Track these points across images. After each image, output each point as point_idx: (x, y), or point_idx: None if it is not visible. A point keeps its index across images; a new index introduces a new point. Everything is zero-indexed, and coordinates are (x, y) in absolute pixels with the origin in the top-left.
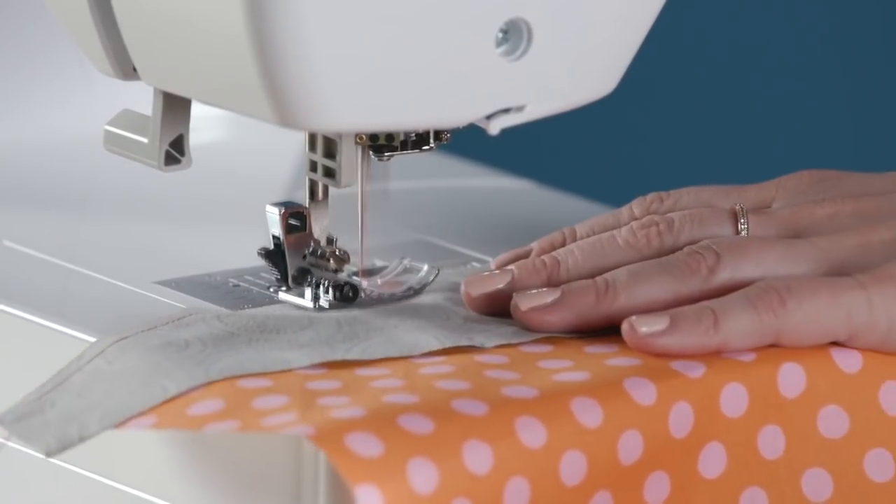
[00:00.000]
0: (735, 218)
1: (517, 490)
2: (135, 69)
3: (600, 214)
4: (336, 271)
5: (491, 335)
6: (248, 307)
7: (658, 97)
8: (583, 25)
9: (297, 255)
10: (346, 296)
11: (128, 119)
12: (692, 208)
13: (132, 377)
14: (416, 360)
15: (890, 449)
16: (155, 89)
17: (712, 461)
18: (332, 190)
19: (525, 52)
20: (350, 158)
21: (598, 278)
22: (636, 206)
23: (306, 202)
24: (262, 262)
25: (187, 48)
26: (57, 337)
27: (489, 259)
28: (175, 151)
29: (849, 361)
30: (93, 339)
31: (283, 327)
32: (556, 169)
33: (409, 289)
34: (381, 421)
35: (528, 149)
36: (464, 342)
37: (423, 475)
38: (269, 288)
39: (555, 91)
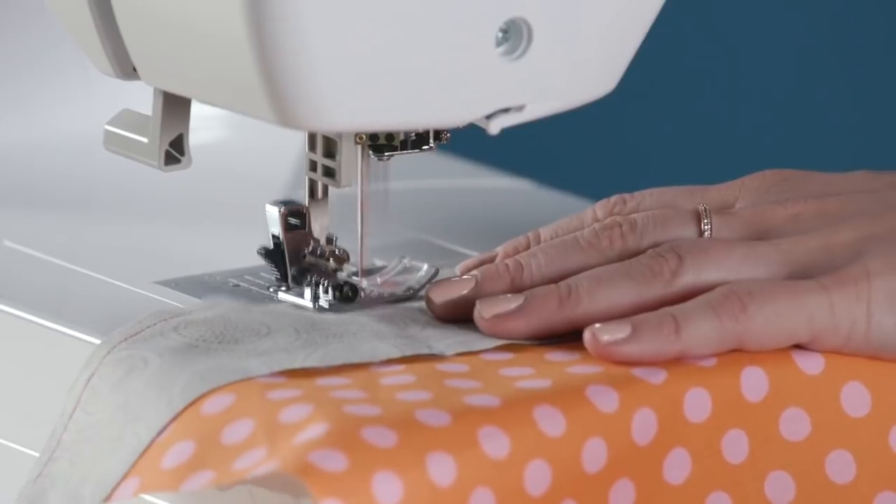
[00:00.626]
0: (698, 219)
1: (482, 501)
2: (135, 69)
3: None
4: (336, 271)
5: (451, 343)
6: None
7: (658, 97)
8: (583, 25)
9: (296, 254)
10: (346, 295)
11: (128, 119)
12: (656, 209)
13: (110, 427)
14: (377, 370)
15: (851, 450)
16: (155, 89)
17: (677, 467)
18: (331, 189)
19: (525, 51)
20: (350, 158)
21: (561, 283)
22: (599, 208)
23: (306, 201)
24: (261, 261)
25: (187, 48)
26: (57, 337)
27: None
28: (175, 151)
29: (810, 364)
30: (93, 340)
31: (241, 337)
32: (556, 169)
33: (409, 288)
34: (345, 435)
35: (528, 149)
36: (423, 351)
37: (387, 488)
38: (268, 288)
39: (555, 91)
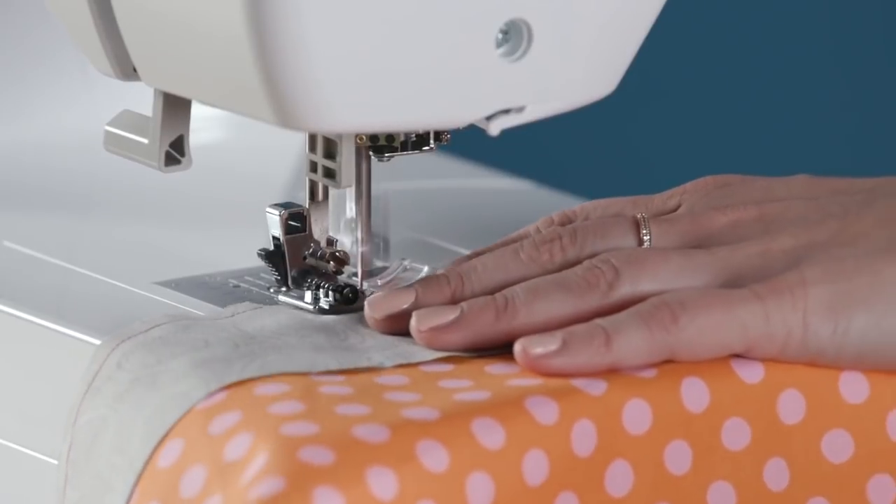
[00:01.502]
0: (637, 227)
1: None
2: (135, 69)
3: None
4: (336, 272)
5: (391, 355)
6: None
7: (658, 97)
8: (583, 26)
9: (297, 256)
10: (347, 297)
11: (128, 119)
12: (596, 220)
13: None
14: (316, 379)
15: (787, 458)
16: (155, 90)
17: (619, 479)
18: (331, 191)
19: (525, 52)
20: (350, 159)
21: (498, 295)
22: (542, 225)
23: (306, 203)
24: (262, 262)
25: (187, 49)
26: (57, 337)
27: None
28: (175, 152)
29: (750, 373)
30: (93, 340)
31: (180, 353)
32: (556, 169)
33: None
34: (284, 458)
35: (528, 149)
36: (363, 363)
37: None
38: (269, 289)
39: (555, 91)
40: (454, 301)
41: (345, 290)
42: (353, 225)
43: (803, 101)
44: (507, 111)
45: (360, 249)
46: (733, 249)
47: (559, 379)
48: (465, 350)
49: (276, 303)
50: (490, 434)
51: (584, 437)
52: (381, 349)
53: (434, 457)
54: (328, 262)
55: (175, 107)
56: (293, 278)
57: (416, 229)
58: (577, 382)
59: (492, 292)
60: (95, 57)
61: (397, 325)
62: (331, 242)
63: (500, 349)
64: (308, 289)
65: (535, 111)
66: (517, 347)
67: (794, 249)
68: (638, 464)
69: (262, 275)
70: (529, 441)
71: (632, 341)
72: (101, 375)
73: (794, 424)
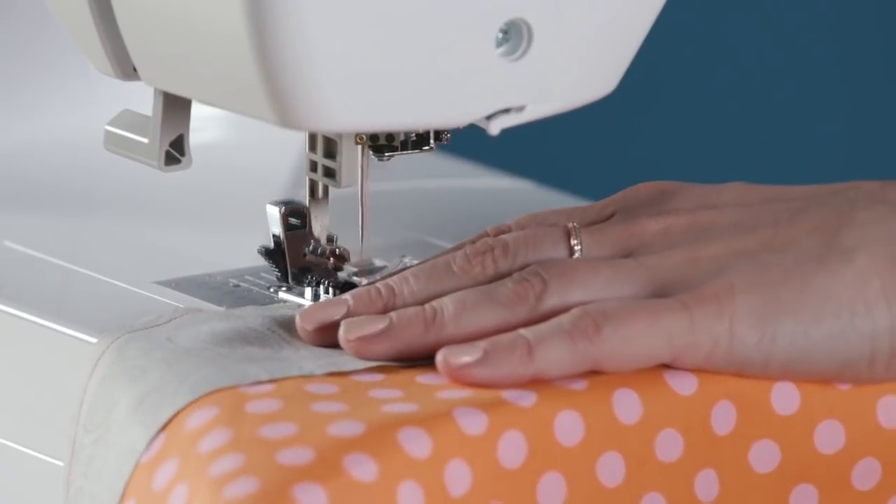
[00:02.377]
0: (569, 237)
1: None
2: (135, 69)
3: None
4: (336, 270)
5: (323, 364)
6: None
7: (658, 97)
8: (583, 25)
9: (297, 253)
10: None
11: (128, 119)
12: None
13: None
14: (244, 391)
15: (718, 469)
16: (155, 89)
17: (552, 491)
18: (332, 190)
19: (525, 52)
20: (350, 158)
21: (427, 306)
22: (477, 238)
23: (306, 202)
24: (262, 262)
25: (187, 48)
26: (57, 337)
27: None
28: (175, 151)
29: (683, 384)
30: (93, 340)
31: (121, 394)
32: (556, 169)
33: None
34: (204, 489)
35: (528, 149)
36: (294, 372)
37: None
38: (269, 288)
39: (555, 91)
40: (386, 312)
41: (344, 287)
42: None
43: (803, 102)
44: (507, 111)
45: (360, 248)
46: (662, 258)
47: (489, 391)
48: (393, 360)
49: (276, 302)
50: (416, 443)
51: (512, 448)
52: (314, 358)
53: (364, 468)
54: (328, 259)
55: (175, 106)
56: (293, 275)
57: (416, 229)
58: (507, 395)
59: (423, 304)
60: (95, 57)
61: (327, 338)
62: (331, 239)
63: (430, 360)
64: (308, 286)
65: (535, 111)
66: (439, 357)
67: (724, 256)
68: (570, 476)
69: (263, 274)
70: (453, 451)
71: (554, 352)
72: (77, 443)
73: (724, 436)
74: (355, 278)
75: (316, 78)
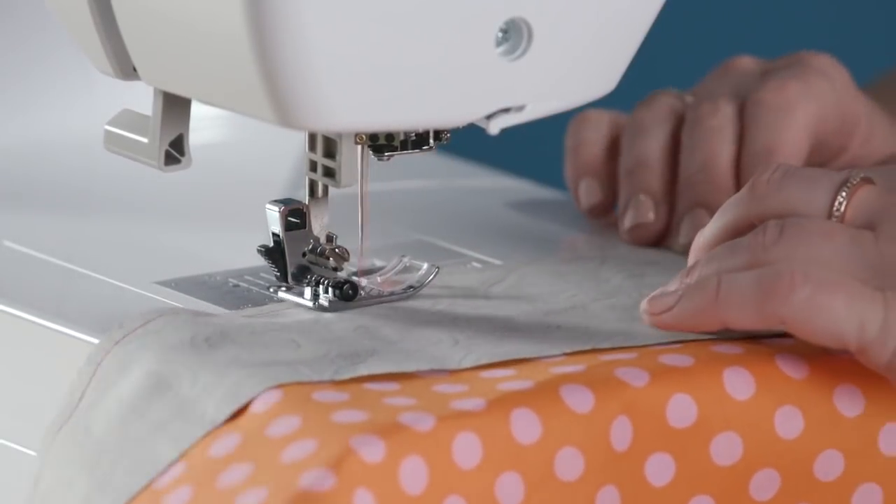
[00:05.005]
0: (838, 190)
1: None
2: (135, 69)
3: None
4: (336, 269)
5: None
6: (249, 306)
7: None
8: (583, 25)
9: (296, 252)
10: (346, 294)
11: (128, 119)
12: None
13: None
14: (155, 487)
15: (618, 485)
16: (155, 89)
17: (510, 493)
18: (331, 189)
19: (525, 51)
20: (350, 158)
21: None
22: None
23: (306, 202)
24: (262, 262)
25: (187, 48)
26: (57, 337)
27: (490, 259)
28: (175, 151)
29: (579, 401)
30: (93, 340)
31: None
32: (557, 169)
33: (409, 287)
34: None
35: (528, 149)
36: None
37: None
38: (269, 288)
39: (555, 91)
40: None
41: (344, 287)
42: None
43: None
44: (507, 110)
45: (360, 247)
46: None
47: (392, 415)
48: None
49: (276, 302)
50: (370, 449)
51: (412, 474)
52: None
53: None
54: (328, 259)
55: (175, 106)
56: (292, 274)
57: (416, 229)
58: (404, 418)
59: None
60: (95, 56)
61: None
62: (330, 239)
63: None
64: (308, 285)
65: (535, 110)
66: (643, 304)
67: None
68: (471, 498)
69: (262, 274)
70: (407, 449)
71: (739, 298)
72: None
73: (623, 451)
74: (355, 278)
75: (316, 78)
